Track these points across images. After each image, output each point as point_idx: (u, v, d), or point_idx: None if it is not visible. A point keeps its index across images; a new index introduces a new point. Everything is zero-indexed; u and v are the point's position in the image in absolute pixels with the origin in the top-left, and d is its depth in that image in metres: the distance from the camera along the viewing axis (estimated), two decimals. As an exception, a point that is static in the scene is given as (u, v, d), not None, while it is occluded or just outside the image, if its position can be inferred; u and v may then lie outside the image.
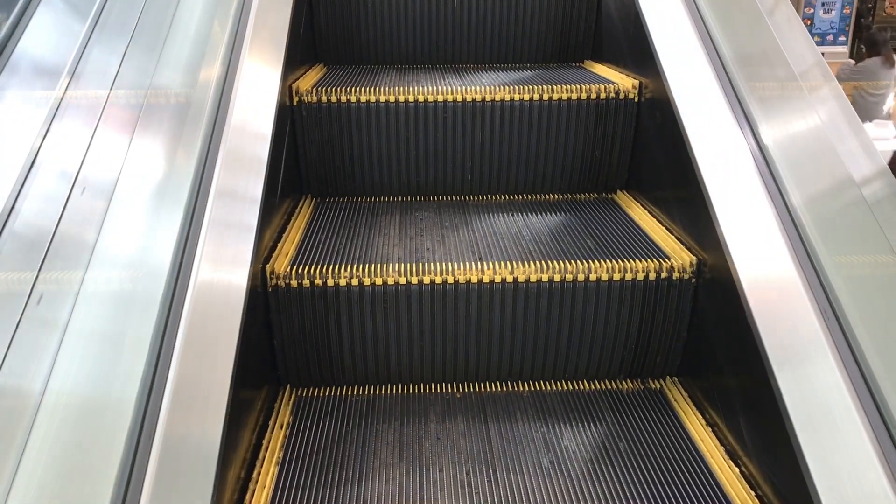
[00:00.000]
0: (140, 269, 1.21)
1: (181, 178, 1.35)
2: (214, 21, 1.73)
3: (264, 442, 1.47)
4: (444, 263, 1.62)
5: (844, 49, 8.31)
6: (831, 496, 1.07)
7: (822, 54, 1.61)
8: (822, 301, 1.27)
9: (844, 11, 8.24)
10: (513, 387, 1.70)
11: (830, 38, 8.25)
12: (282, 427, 1.54)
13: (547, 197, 2.16)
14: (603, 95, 2.05)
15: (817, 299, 1.28)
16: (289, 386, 1.68)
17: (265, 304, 1.56)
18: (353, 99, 2.02)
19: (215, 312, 1.26)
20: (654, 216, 1.93)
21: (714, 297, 1.54)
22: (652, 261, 1.63)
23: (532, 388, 1.70)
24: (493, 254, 1.71)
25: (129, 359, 1.09)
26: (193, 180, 1.37)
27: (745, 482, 1.34)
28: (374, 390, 1.69)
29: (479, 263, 1.62)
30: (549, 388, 1.71)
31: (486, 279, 1.60)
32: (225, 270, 1.33)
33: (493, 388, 1.70)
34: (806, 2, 8.11)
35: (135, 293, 1.17)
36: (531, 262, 1.62)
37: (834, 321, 1.24)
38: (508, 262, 1.62)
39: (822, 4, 8.18)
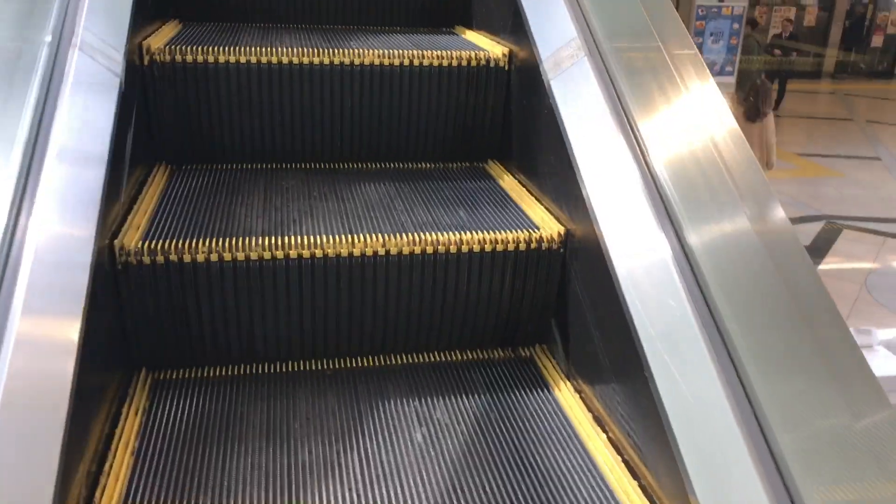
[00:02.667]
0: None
1: (7, 144, 1.19)
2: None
3: (117, 431, 1.36)
4: (312, 237, 1.55)
5: (731, 80, 8.41)
6: (694, 457, 1.11)
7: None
8: (685, 269, 1.31)
9: (731, 42, 8.32)
10: (385, 361, 1.67)
11: (717, 68, 8.31)
12: (137, 413, 1.43)
13: (419, 166, 2.12)
14: (474, 63, 2.02)
15: (680, 267, 1.32)
16: (144, 369, 1.56)
17: (115, 282, 1.44)
18: (212, 59, 1.88)
19: (54, 293, 1.13)
20: (524, 186, 1.93)
21: (583, 267, 1.56)
22: (522, 231, 1.64)
23: (405, 361, 1.68)
24: (364, 225, 1.65)
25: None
26: (25, 145, 1.22)
27: (612, 448, 1.38)
28: (240, 370, 1.60)
29: (349, 236, 1.56)
30: (421, 359, 1.69)
31: (357, 252, 1.54)
32: (64, 247, 1.20)
33: (366, 363, 1.66)
34: (696, 31, 8.20)
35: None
36: (404, 234, 1.58)
37: (696, 288, 1.28)
38: (380, 235, 1.57)
39: (711, 34, 8.20)
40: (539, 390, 1.59)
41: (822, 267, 6.71)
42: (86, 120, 1.39)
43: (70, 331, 1.12)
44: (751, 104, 6.66)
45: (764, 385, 1.10)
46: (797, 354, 1.16)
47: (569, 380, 1.60)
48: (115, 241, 1.43)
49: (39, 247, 1.12)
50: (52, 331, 1.09)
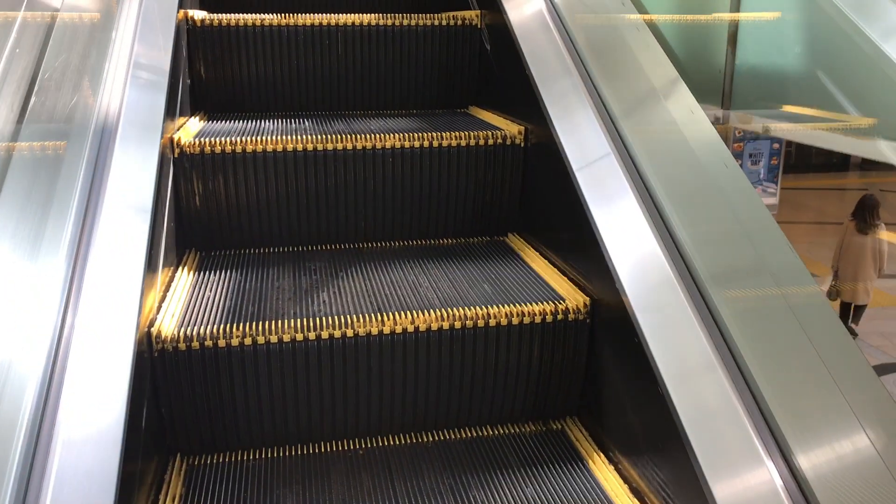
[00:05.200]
0: (12, 342, 1.10)
1: (55, 241, 1.25)
2: (85, 77, 1.64)
3: (155, 520, 1.36)
4: (341, 317, 1.57)
5: (775, 200, 7.98)
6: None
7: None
8: (713, 330, 1.33)
9: (772, 162, 7.91)
10: (418, 438, 1.67)
11: (759, 190, 7.84)
12: (173, 501, 1.44)
13: (442, 242, 2.17)
14: (491, 141, 2.09)
15: (708, 328, 1.34)
16: (179, 455, 1.57)
17: (151, 369, 1.46)
18: (239, 149, 1.96)
19: (99, 384, 1.16)
20: (545, 258, 1.96)
21: (611, 336, 1.57)
22: (547, 303, 1.66)
23: (437, 438, 1.67)
24: (391, 304, 1.68)
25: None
26: (71, 241, 1.28)
27: (651, 519, 1.36)
28: (273, 453, 1.61)
29: (378, 315, 1.59)
30: (453, 436, 1.69)
31: (386, 330, 1.56)
32: (107, 338, 1.23)
33: (398, 441, 1.66)
34: (734, 153, 7.82)
35: (6, 372, 1.06)
36: (431, 311, 1.61)
37: (721, 341, 1.30)
38: (408, 312, 1.60)
39: (750, 156, 7.83)
40: (573, 463, 1.58)
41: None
42: (124, 217, 1.44)
43: (115, 421, 1.14)
44: (861, 218, 6.67)
45: (805, 458, 1.10)
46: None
47: (603, 451, 1.59)
48: (152, 329, 1.46)
49: (84, 339, 1.16)
50: (99, 421, 1.11)
